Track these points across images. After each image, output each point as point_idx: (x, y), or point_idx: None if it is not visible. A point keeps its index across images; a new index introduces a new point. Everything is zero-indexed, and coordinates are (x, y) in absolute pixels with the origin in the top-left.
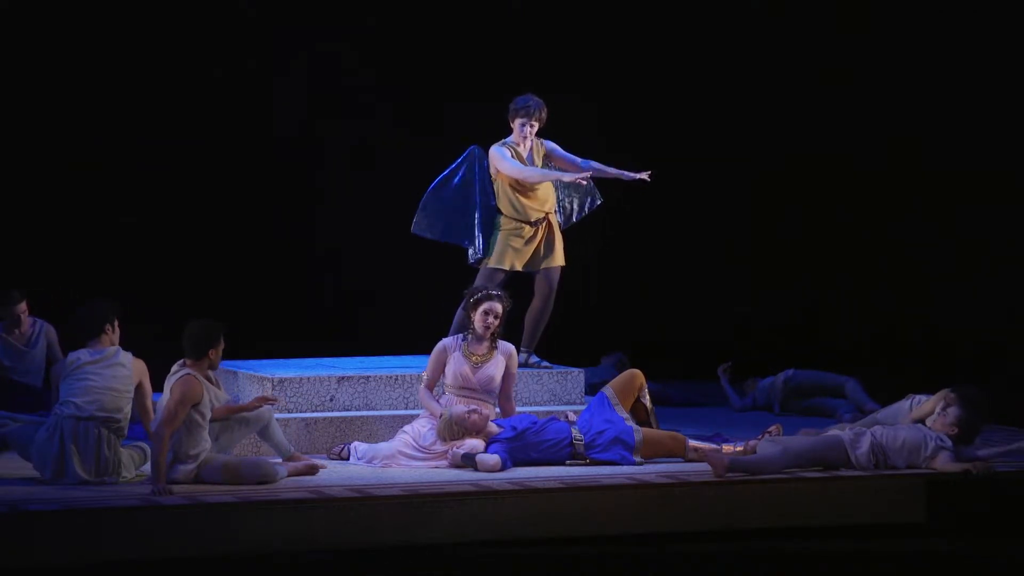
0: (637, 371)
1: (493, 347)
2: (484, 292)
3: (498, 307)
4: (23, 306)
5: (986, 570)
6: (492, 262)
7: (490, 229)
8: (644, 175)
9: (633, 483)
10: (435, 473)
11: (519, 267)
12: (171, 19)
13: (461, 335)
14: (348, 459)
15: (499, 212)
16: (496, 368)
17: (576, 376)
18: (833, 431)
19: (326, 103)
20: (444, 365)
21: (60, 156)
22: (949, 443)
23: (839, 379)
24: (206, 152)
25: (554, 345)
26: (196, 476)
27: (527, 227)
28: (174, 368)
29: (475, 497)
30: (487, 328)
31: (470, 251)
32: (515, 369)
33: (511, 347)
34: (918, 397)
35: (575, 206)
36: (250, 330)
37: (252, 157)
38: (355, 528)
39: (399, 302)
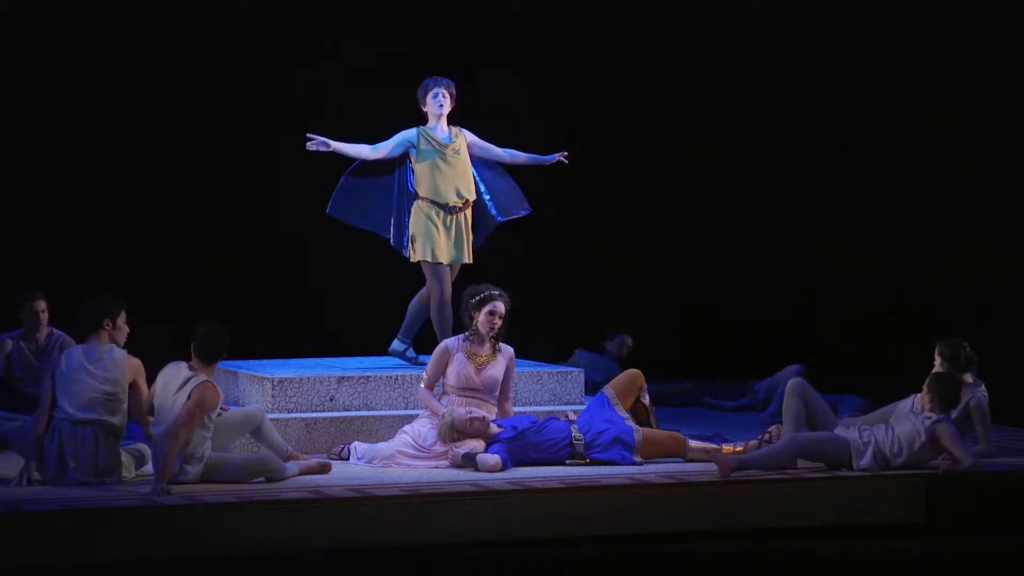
0: (637, 371)
1: (495, 349)
2: (487, 292)
3: (502, 307)
4: (42, 304)
5: (986, 570)
6: (417, 255)
7: (406, 216)
8: (561, 156)
9: (633, 483)
10: (435, 473)
11: (444, 260)
12: (174, 23)
13: (462, 336)
14: (348, 459)
15: (416, 196)
16: (498, 370)
17: (576, 376)
18: (838, 430)
19: (328, 104)
20: (446, 366)
21: (60, 157)
22: (935, 416)
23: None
24: (205, 152)
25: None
26: (203, 476)
27: (441, 212)
28: (184, 373)
29: (475, 497)
30: (492, 329)
31: (392, 241)
32: (514, 370)
33: (511, 349)
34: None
35: (502, 206)
36: (250, 330)
37: (252, 157)
38: (355, 528)
39: (399, 302)
